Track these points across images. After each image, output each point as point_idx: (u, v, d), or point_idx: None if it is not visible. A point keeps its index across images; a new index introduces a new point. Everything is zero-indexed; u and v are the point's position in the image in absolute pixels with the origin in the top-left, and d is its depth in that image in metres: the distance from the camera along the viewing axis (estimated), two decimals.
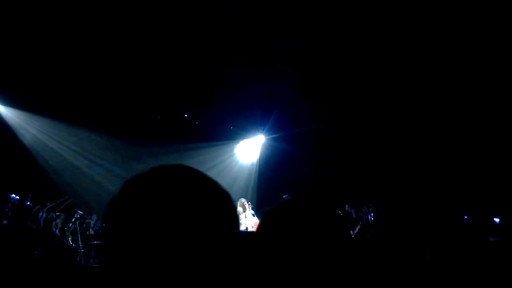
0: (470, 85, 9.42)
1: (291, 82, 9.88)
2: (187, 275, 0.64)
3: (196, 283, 0.64)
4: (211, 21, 7.89)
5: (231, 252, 0.69)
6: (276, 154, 13.18)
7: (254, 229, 7.69)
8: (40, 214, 8.16)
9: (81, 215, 9.27)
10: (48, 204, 8.70)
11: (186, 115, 12.27)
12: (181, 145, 12.28)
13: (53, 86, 9.59)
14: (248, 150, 13.71)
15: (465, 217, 9.34)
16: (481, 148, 10.26)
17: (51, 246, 7.21)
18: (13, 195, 8.14)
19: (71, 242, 8.62)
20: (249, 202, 8.71)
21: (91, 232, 9.58)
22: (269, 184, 12.80)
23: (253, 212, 8.48)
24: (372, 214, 9.49)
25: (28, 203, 8.33)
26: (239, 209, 8.21)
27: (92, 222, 9.71)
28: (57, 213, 8.65)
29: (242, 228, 7.65)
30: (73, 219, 8.95)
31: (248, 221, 8.24)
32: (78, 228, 8.86)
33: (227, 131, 13.04)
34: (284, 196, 9.12)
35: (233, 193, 0.79)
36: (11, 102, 10.19)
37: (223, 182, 0.77)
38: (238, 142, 13.56)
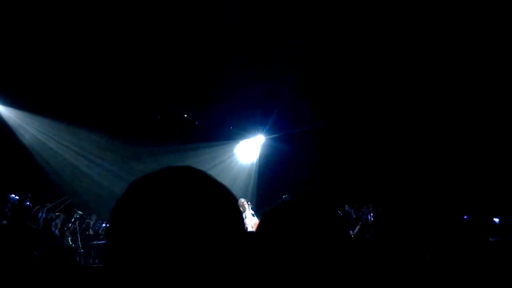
0: (470, 85, 9.43)
1: (291, 82, 9.88)
2: (197, 277, 0.64)
3: (205, 284, 0.64)
4: (211, 21, 7.89)
5: (239, 254, 0.70)
6: (276, 154, 13.19)
7: (254, 229, 7.68)
8: (40, 214, 8.16)
9: (80, 215, 9.27)
10: (48, 204, 8.70)
11: (186, 115, 12.27)
12: (181, 145, 12.29)
13: (53, 86, 9.59)
14: (248, 150, 13.71)
15: (465, 217, 9.35)
16: (480, 148, 10.26)
17: (50, 246, 7.20)
18: (13, 195, 8.15)
19: (71, 242, 8.61)
20: (249, 202, 8.69)
21: (91, 232, 9.59)
22: (269, 184, 12.81)
23: (253, 212, 8.47)
24: (371, 214, 9.50)
25: (28, 203, 8.35)
26: None
27: (91, 222, 9.71)
28: (57, 213, 8.64)
29: None
30: (72, 219, 8.95)
31: (248, 221, 8.23)
32: (77, 228, 8.86)
33: (227, 131, 13.05)
34: (284, 196, 9.13)
35: None
36: (11, 102, 10.20)
37: (223, 182, 0.77)
38: (238, 142, 13.56)
